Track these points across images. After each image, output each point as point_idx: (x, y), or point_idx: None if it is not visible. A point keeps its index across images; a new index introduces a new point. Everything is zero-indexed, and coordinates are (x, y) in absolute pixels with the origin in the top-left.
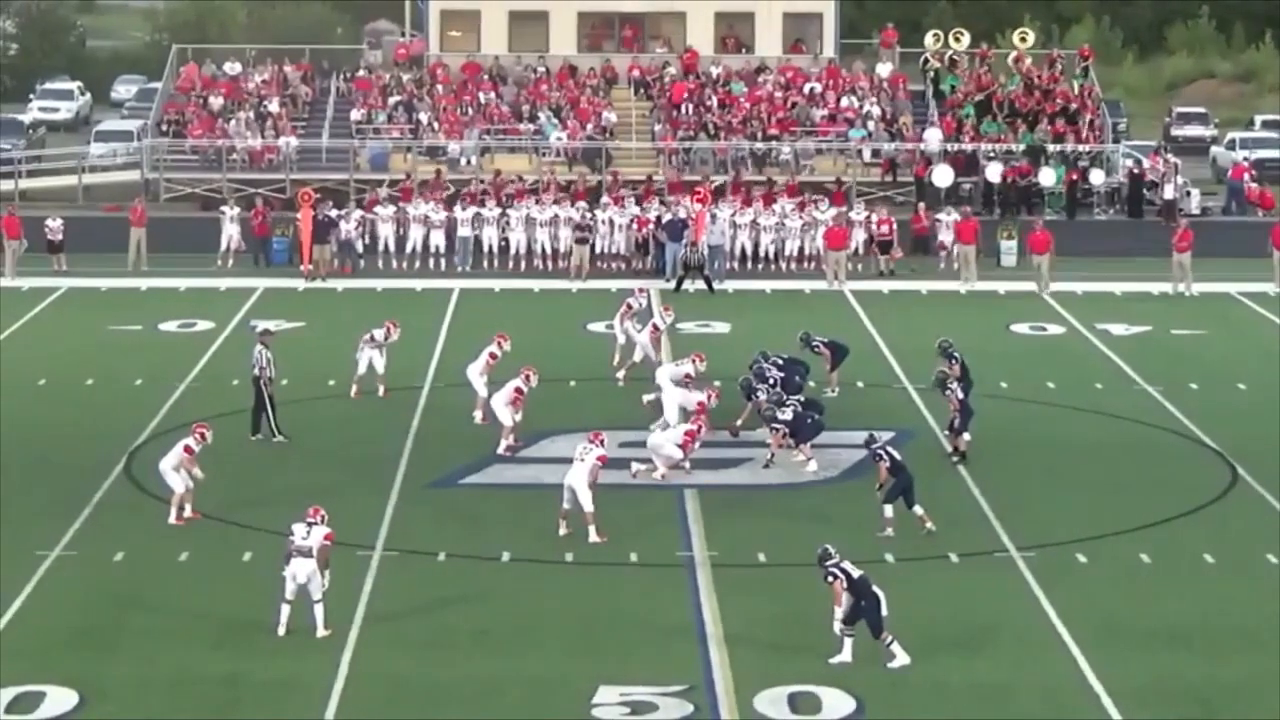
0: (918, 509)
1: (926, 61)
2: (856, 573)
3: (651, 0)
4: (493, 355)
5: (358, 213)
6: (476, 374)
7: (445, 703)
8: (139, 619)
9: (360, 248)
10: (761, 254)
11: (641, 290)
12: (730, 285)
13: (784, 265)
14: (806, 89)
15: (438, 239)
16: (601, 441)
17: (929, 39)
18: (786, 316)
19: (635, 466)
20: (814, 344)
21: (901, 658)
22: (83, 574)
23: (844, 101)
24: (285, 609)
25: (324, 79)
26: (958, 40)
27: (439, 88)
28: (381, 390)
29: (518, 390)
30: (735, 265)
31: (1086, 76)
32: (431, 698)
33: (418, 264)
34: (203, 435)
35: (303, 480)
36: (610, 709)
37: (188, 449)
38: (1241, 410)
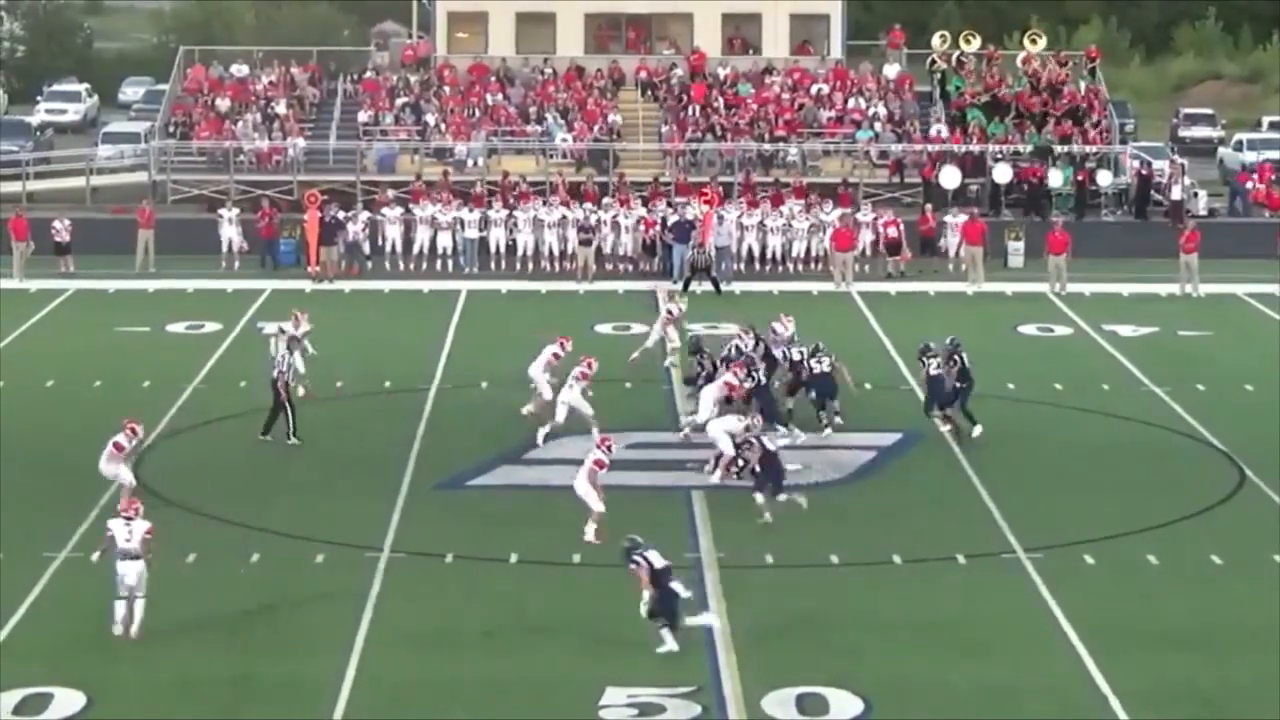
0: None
1: (933, 63)
2: (660, 563)
3: (658, 1)
4: (555, 355)
5: (365, 214)
6: (539, 372)
7: (452, 704)
8: (147, 620)
9: (367, 249)
10: (768, 255)
11: (679, 298)
12: (737, 287)
13: (791, 267)
14: (813, 90)
15: (445, 240)
16: (608, 447)
17: (936, 40)
18: (794, 318)
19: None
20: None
21: (670, 644)
22: (90, 576)
23: (851, 103)
24: (120, 606)
25: (331, 81)
26: (968, 42)
27: (446, 89)
28: (302, 391)
29: (582, 374)
30: (742, 267)
31: (1094, 77)
32: (439, 699)
33: (425, 265)
34: (134, 431)
35: (310, 481)
36: (618, 710)
37: (117, 445)
38: (1248, 411)
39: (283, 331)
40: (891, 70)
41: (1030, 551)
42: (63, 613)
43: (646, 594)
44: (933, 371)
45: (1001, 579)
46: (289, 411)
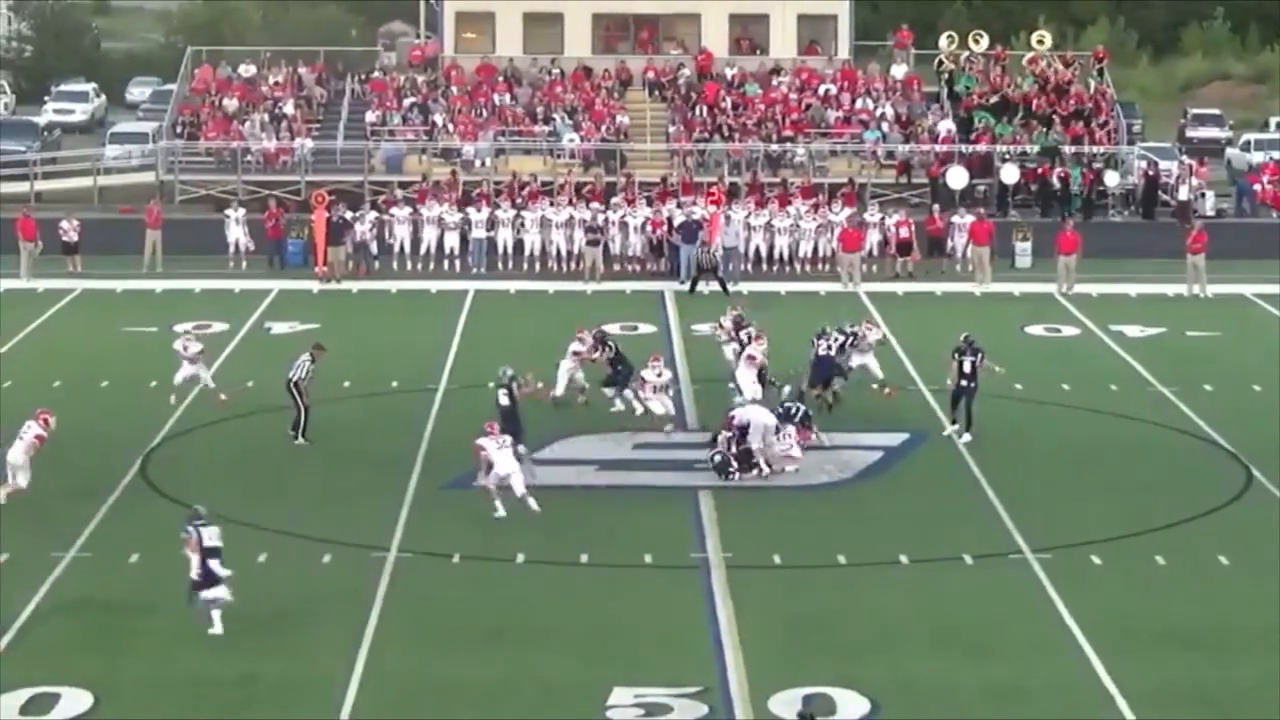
0: None
1: (941, 63)
2: (211, 542)
3: (666, 2)
4: (575, 352)
5: (372, 214)
6: (565, 372)
7: (459, 704)
8: (154, 620)
9: (375, 249)
10: (776, 256)
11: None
12: (745, 287)
13: (799, 267)
14: (821, 90)
15: (452, 240)
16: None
17: (944, 40)
18: (802, 318)
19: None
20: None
21: (217, 627)
22: (98, 575)
23: (858, 103)
24: None
25: (339, 81)
26: (976, 42)
27: (454, 89)
28: (223, 396)
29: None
30: (750, 267)
31: (1101, 78)
32: (446, 699)
33: (432, 265)
34: (46, 421)
35: (317, 481)
36: (625, 711)
37: (39, 437)
38: (1256, 412)
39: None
40: (899, 70)
41: (1037, 552)
42: (70, 613)
43: (194, 562)
44: (820, 353)
45: (1008, 579)
46: (304, 413)
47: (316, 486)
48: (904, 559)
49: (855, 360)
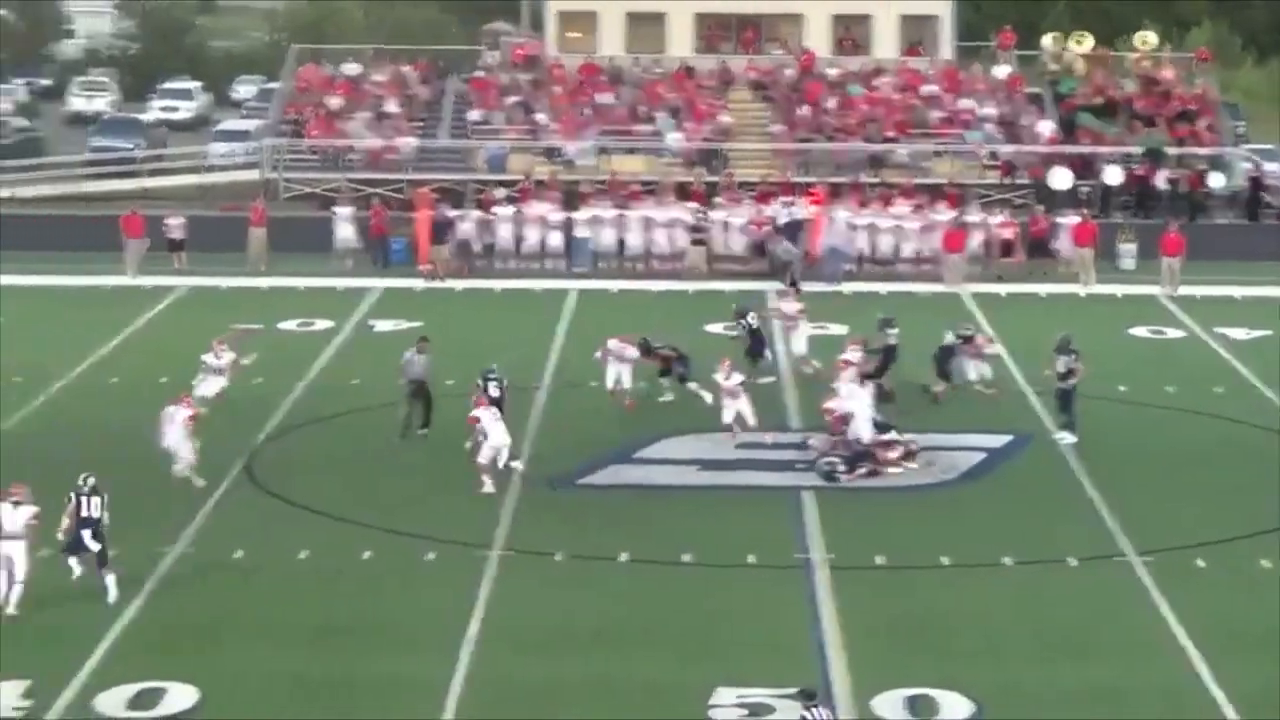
0: None
1: (1044, 64)
2: (94, 515)
3: (769, 2)
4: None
5: (476, 213)
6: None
7: (562, 704)
8: (259, 617)
9: (478, 248)
10: (878, 256)
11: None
12: (847, 287)
13: (901, 267)
14: (924, 91)
15: (555, 240)
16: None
17: (1047, 41)
18: (904, 318)
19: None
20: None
21: (112, 591)
22: (203, 572)
23: (961, 104)
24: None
25: (442, 79)
26: (1079, 43)
27: (556, 88)
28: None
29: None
30: (852, 267)
31: (1205, 79)
32: (548, 699)
33: (535, 264)
34: (190, 402)
35: (421, 479)
36: (727, 711)
37: (190, 417)
38: None
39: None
40: (1002, 71)
41: (1141, 554)
42: (176, 608)
43: (65, 525)
44: (891, 343)
45: (1112, 581)
46: (414, 407)
47: (420, 484)
48: (1007, 560)
49: (971, 372)
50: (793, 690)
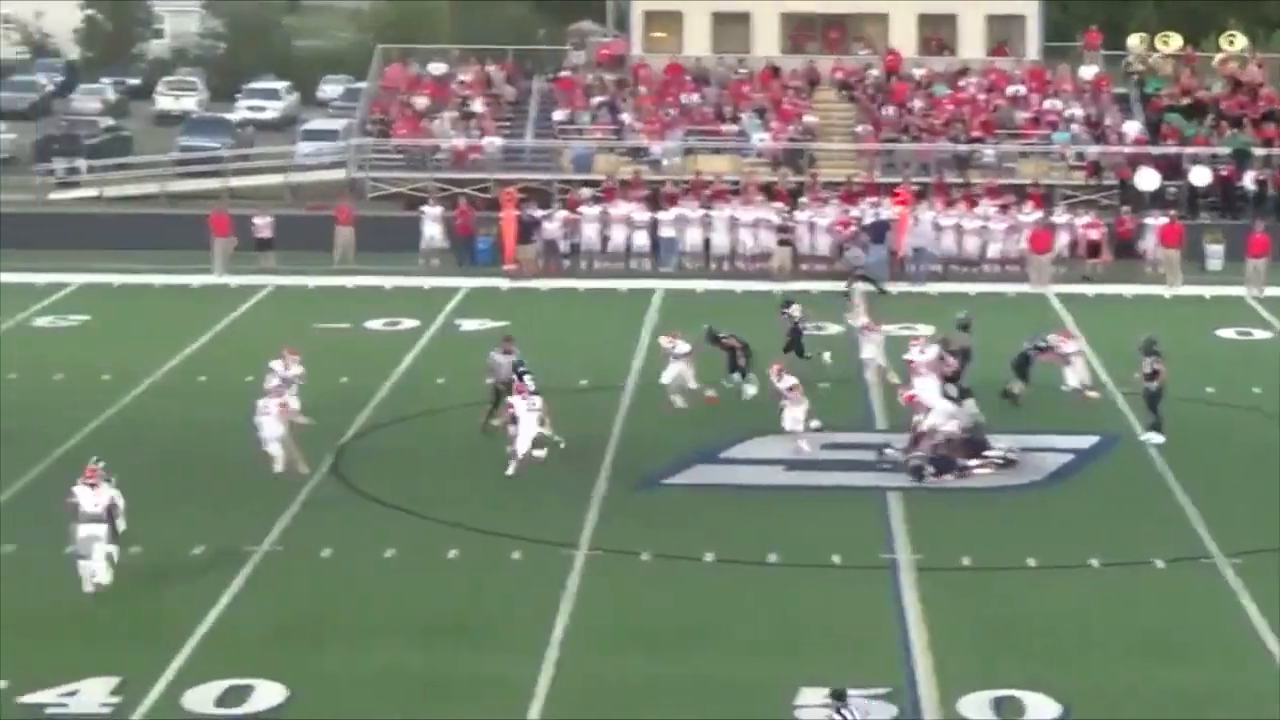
0: None
1: (1130, 64)
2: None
3: (854, 2)
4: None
5: (562, 213)
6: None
7: (648, 704)
8: (346, 615)
9: (564, 247)
10: (964, 257)
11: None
12: (933, 288)
13: (987, 268)
14: (1009, 91)
15: (641, 239)
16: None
17: (1133, 41)
18: (990, 319)
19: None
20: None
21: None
22: (290, 570)
23: (1047, 104)
24: (84, 565)
25: (528, 79)
26: (1166, 44)
27: (642, 88)
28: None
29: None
30: (938, 268)
31: None
32: (634, 699)
33: (620, 264)
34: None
35: (507, 478)
36: (812, 711)
37: (283, 405)
38: None
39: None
40: (1088, 71)
41: (1229, 556)
42: (263, 606)
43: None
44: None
45: (1200, 583)
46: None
47: (506, 483)
48: (1094, 562)
49: (1071, 379)
50: (880, 690)
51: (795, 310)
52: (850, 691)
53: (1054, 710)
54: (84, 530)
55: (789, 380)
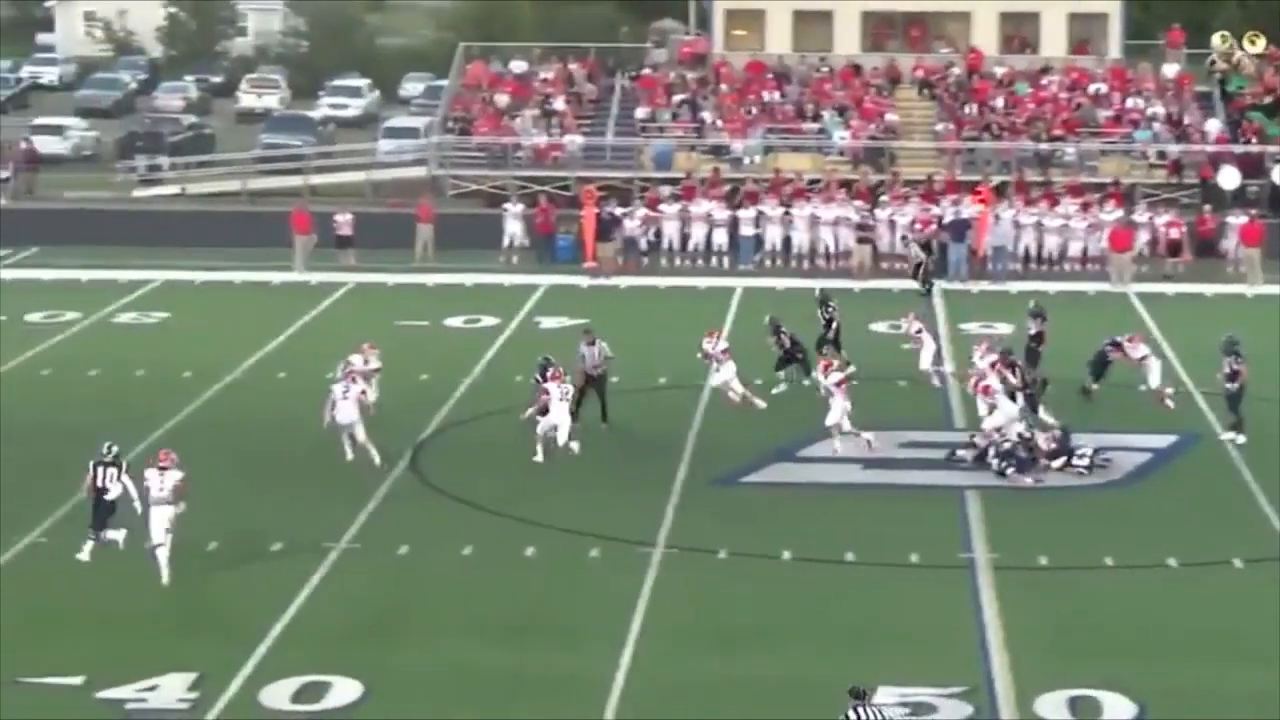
0: None
1: (1213, 63)
2: (111, 484)
3: (936, 0)
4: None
5: (643, 210)
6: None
7: (724, 702)
8: (423, 612)
9: (644, 245)
10: (1045, 255)
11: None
12: (1013, 286)
13: (1067, 266)
14: (1091, 89)
15: (720, 237)
16: None
17: (1216, 40)
18: (1070, 318)
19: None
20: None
21: (120, 540)
22: (368, 566)
23: (1129, 102)
24: (160, 553)
25: (609, 77)
26: (1253, 43)
27: (723, 86)
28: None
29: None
30: (1018, 266)
31: None
32: (711, 697)
33: (700, 262)
34: (356, 379)
35: (585, 476)
36: (890, 710)
37: (363, 392)
38: None
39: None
40: (1170, 70)
41: None
42: (340, 603)
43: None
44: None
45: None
46: (596, 398)
47: (584, 481)
48: (1172, 562)
49: (1153, 379)
50: (957, 689)
51: (833, 306)
52: (927, 690)
53: (1130, 710)
54: (153, 513)
55: (835, 376)
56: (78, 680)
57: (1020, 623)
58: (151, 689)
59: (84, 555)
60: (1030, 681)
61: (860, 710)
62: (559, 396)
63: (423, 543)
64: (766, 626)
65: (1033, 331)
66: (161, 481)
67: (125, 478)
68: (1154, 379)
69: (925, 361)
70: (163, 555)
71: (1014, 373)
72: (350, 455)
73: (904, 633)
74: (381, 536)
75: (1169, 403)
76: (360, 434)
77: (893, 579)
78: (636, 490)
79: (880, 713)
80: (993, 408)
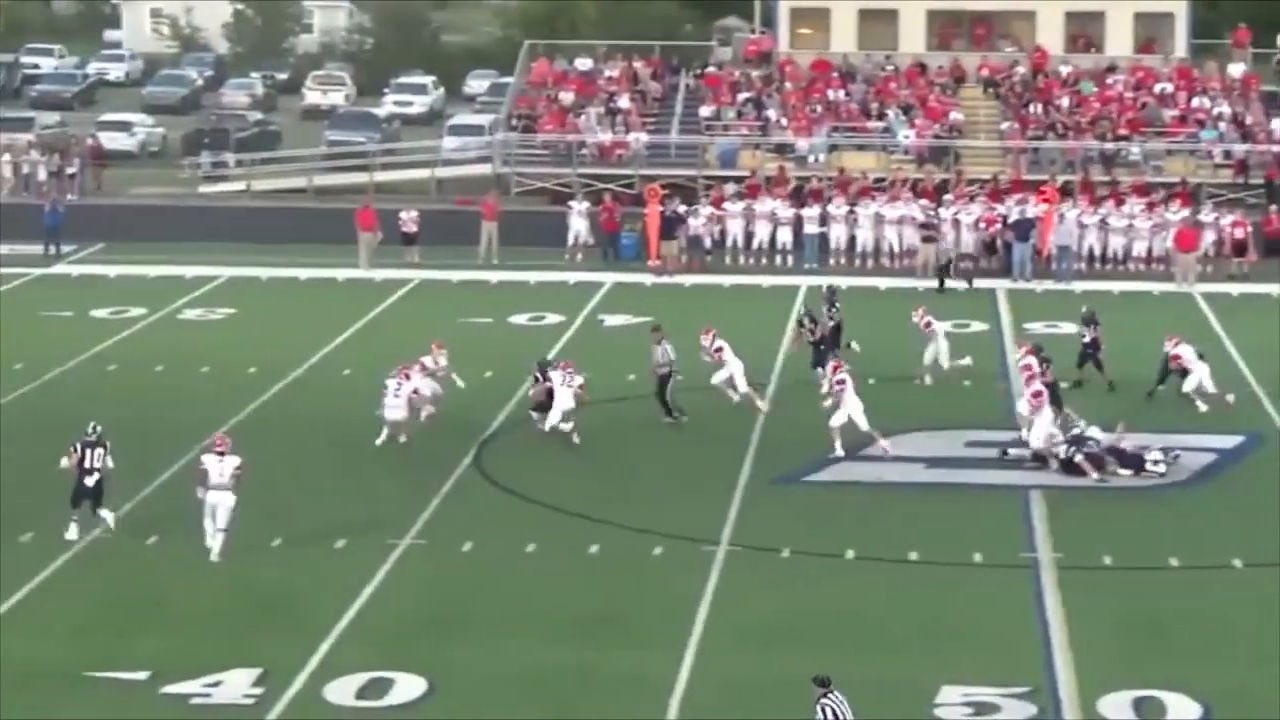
0: None
1: None
2: (98, 464)
3: None
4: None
5: (708, 209)
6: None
7: (788, 702)
8: (487, 609)
9: (708, 244)
10: (1109, 255)
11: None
12: (1078, 286)
13: (1132, 266)
14: (1157, 89)
15: (785, 235)
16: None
17: None
18: (1134, 318)
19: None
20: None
21: (109, 521)
22: (432, 563)
23: (1195, 102)
24: (219, 537)
25: (674, 75)
26: None
27: (788, 85)
28: (428, 413)
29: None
30: (1083, 266)
31: None
32: (774, 696)
33: (764, 260)
34: (408, 376)
35: (648, 474)
36: (953, 709)
37: (416, 391)
38: None
39: (423, 368)
40: (1236, 69)
41: None
42: (405, 599)
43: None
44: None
45: None
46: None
47: (647, 479)
48: (1237, 562)
49: (1208, 384)
50: (1021, 689)
51: (839, 306)
52: (990, 690)
53: (1195, 711)
54: (211, 497)
55: (839, 376)
56: (143, 675)
57: (1084, 623)
58: (216, 684)
59: (71, 534)
60: (1094, 682)
61: (829, 699)
62: (561, 382)
63: (487, 539)
64: (829, 626)
65: (1087, 339)
66: (221, 467)
67: (109, 458)
68: (1205, 382)
69: (930, 357)
70: (220, 537)
71: (1044, 369)
72: (380, 441)
73: (967, 632)
74: (446, 533)
75: (1202, 406)
76: (402, 436)
77: (956, 578)
78: (700, 489)
79: (843, 704)
80: (1031, 422)
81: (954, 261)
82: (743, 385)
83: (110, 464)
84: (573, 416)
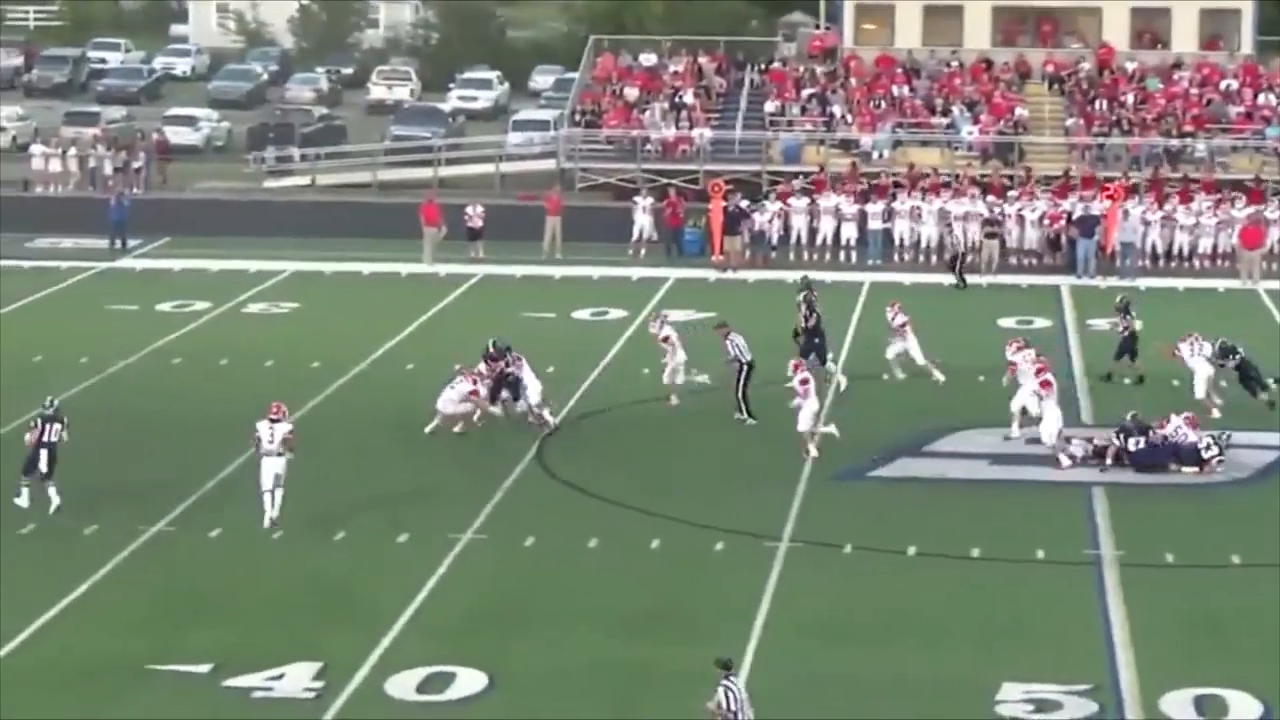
0: None
1: None
2: (54, 438)
3: None
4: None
5: (776, 205)
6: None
7: (848, 697)
8: (548, 604)
9: (774, 239)
10: (1175, 251)
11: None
12: (1142, 283)
13: (1197, 263)
14: (1223, 86)
15: (849, 231)
16: None
17: None
18: (1199, 315)
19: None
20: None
21: (55, 501)
22: (494, 558)
23: (1261, 99)
24: (266, 498)
25: (738, 71)
26: None
27: (852, 80)
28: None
29: None
30: (1148, 263)
31: None
32: (835, 692)
33: (829, 256)
34: (476, 380)
35: (711, 469)
36: (1015, 706)
37: (473, 392)
38: None
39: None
40: None
41: None
42: (466, 594)
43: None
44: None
45: None
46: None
47: (710, 474)
48: None
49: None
50: (1082, 687)
51: (815, 296)
52: (1052, 687)
53: (1257, 709)
54: (265, 464)
55: (801, 375)
56: (205, 668)
57: (1146, 620)
58: (278, 677)
59: (22, 501)
60: (1156, 679)
61: (731, 682)
62: (530, 374)
63: (548, 534)
64: (891, 622)
65: (1123, 330)
66: (272, 433)
67: (65, 432)
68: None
69: (894, 352)
70: (272, 499)
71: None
72: (427, 430)
73: (1029, 629)
74: (507, 528)
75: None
76: (457, 427)
77: (1018, 575)
78: (762, 484)
79: (742, 690)
80: (1039, 416)
81: (961, 257)
82: (681, 374)
83: (65, 438)
84: (548, 400)
